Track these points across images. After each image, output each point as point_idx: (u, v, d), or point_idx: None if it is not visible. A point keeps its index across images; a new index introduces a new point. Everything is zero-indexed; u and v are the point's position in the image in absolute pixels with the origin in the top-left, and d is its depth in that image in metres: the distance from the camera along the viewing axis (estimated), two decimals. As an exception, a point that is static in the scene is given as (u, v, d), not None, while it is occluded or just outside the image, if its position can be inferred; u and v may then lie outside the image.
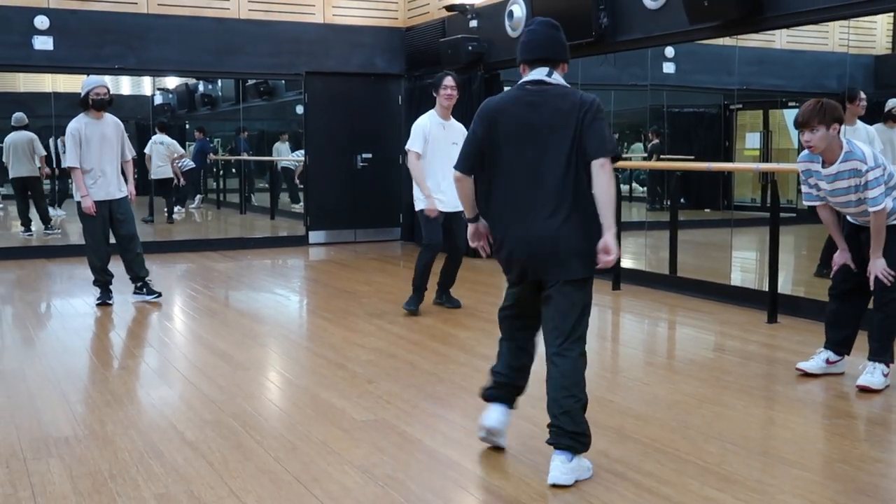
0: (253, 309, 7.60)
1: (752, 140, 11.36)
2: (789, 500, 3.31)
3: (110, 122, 7.25)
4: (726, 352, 5.81)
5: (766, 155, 10.62)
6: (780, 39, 10.34)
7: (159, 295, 7.47)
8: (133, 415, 4.44)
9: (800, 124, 4.51)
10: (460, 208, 6.35)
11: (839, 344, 4.97)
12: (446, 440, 3.98)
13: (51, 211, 11.99)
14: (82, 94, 7.11)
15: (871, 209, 4.56)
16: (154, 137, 12.98)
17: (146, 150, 12.94)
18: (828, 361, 4.97)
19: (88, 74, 9.51)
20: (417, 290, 6.80)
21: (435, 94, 6.74)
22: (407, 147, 6.73)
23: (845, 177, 4.58)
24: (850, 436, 4.14)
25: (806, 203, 4.94)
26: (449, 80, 6.68)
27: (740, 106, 11.52)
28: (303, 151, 12.05)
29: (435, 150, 6.61)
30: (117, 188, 7.23)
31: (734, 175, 10.85)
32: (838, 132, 4.54)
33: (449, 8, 10.18)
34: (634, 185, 12.99)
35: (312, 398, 4.70)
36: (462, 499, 3.44)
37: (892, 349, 4.80)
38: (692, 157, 11.40)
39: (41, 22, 9.87)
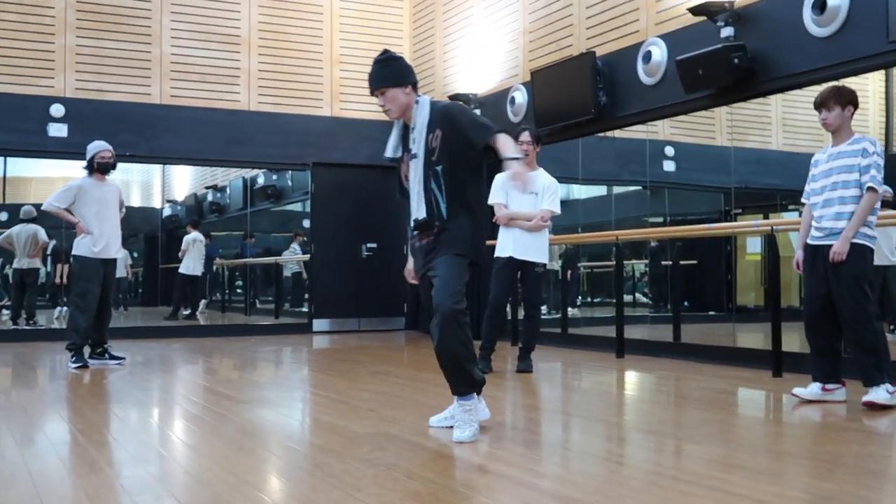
0: (255, 368, 7.56)
1: (753, 244, 11.48)
2: (799, 479, 3.27)
3: (112, 186, 7.51)
4: (731, 394, 5.76)
5: (767, 259, 10.69)
6: (777, 141, 10.64)
7: (123, 359, 7.47)
8: (144, 433, 4.42)
9: (817, 105, 4.87)
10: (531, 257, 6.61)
11: (827, 376, 4.94)
12: (452, 443, 3.90)
13: None
14: (87, 157, 7.37)
15: (865, 186, 4.69)
16: (191, 235, 13.41)
17: (183, 247, 13.34)
18: (823, 389, 4.93)
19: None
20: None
21: None
22: (490, 202, 6.73)
23: (849, 154, 4.79)
24: (859, 441, 4.08)
25: (802, 199, 5.10)
26: (525, 136, 6.79)
27: (740, 211, 11.69)
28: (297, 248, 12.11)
29: (509, 200, 6.70)
30: (115, 249, 7.39)
31: (737, 280, 10.94)
32: (852, 114, 4.84)
33: (453, 98, 10.50)
34: (638, 295, 12.99)
35: (314, 420, 4.69)
36: (463, 476, 3.39)
37: (885, 369, 4.71)
38: (695, 262, 11.50)
39: (57, 110, 10.19)
